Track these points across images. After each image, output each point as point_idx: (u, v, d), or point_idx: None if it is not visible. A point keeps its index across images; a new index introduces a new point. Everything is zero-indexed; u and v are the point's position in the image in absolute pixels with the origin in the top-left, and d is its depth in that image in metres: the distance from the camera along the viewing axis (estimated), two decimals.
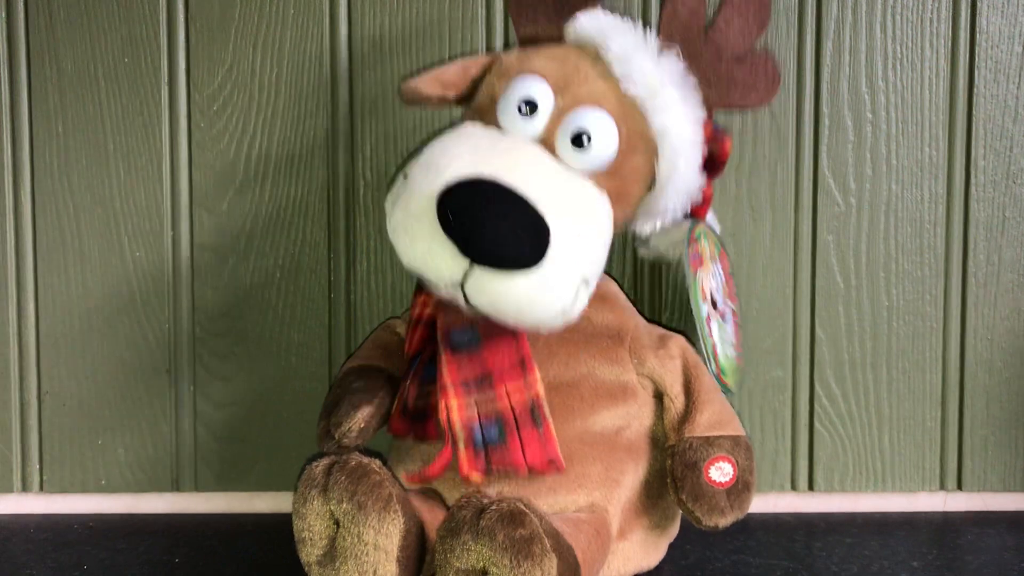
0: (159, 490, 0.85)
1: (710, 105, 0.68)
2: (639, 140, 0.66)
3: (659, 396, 0.70)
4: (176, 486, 0.85)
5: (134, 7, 0.83)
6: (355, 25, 0.83)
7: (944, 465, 0.86)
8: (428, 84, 0.69)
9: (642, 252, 0.77)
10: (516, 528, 0.56)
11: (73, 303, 0.84)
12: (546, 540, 0.56)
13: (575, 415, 0.67)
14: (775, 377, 0.85)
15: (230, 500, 0.86)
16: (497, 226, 0.59)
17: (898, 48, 0.84)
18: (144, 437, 0.85)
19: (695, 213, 0.71)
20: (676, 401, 0.69)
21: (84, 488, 0.85)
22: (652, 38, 0.67)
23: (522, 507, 0.57)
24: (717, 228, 0.75)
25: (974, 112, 0.84)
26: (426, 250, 0.61)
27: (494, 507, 0.57)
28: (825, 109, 0.84)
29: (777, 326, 0.85)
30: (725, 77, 0.68)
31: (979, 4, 0.83)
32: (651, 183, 0.68)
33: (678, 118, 0.66)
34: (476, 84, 0.69)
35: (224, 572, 0.72)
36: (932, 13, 0.83)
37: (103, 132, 0.84)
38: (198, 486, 0.85)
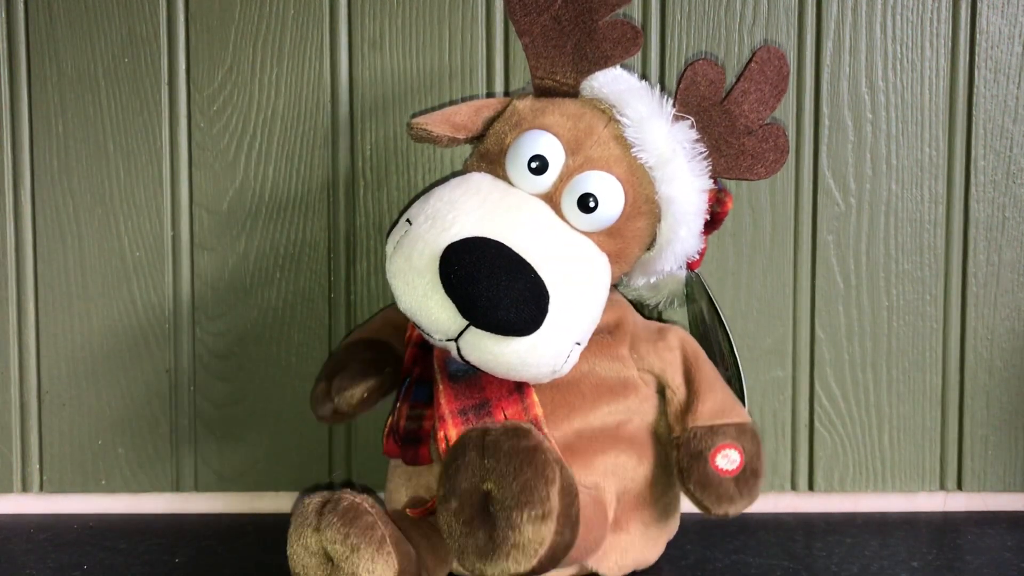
0: (159, 490, 0.85)
1: (716, 174, 0.68)
2: (644, 204, 0.66)
3: (662, 391, 0.70)
4: (176, 486, 0.85)
5: (134, 7, 0.83)
6: (355, 25, 0.83)
7: (944, 465, 0.86)
8: (438, 125, 0.68)
9: (622, 291, 0.77)
10: (521, 439, 0.56)
11: (73, 303, 0.84)
12: (550, 452, 0.56)
13: (576, 413, 0.67)
14: (775, 377, 0.85)
15: (230, 500, 0.86)
16: (499, 294, 0.59)
17: (898, 48, 0.84)
18: (144, 437, 0.85)
19: (689, 266, 0.72)
20: (678, 392, 0.69)
21: (84, 488, 0.85)
22: (668, 105, 0.66)
23: (527, 426, 0.58)
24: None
25: (974, 112, 0.84)
26: (424, 304, 0.61)
27: (499, 426, 0.58)
28: (825, 109, 0.84)
29: (777, 326, 0.85)
30: (735, 148, 0.67)
31: (979, 4, 0.83)
32: (651, 244, 0.68)
33: (685, 188, 0.66)
34: (487, 126, 0.69)
35: (224, 572, 0.72)
36: (932, 13, 0.83)
37: (103, 132, 0.84)
38: (198, 486, 0.85)
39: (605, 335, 0.69)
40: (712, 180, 0.67)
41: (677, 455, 0.68)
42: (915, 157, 0.84)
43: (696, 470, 0.67)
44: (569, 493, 0.57)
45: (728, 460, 0.67)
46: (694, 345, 0.71)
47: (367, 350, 0.71)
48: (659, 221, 0.67)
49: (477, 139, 0.69)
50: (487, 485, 0.56)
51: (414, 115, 0.71)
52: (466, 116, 0.69)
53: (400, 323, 0.73)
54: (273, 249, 0.84)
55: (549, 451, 0.57)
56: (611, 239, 0.65)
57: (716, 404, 0.69)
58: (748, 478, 0.67)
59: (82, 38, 0.83)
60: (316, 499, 0.61)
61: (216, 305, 0.84)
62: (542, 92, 0.69)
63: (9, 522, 0.83)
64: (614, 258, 0.66)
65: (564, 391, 0.67)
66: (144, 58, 0.83)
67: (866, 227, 0.84)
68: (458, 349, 0.61)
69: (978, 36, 0.84)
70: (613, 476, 0.67)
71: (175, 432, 0.85)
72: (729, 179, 0.69)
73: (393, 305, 0.75)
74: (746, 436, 0.68)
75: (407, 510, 0.67)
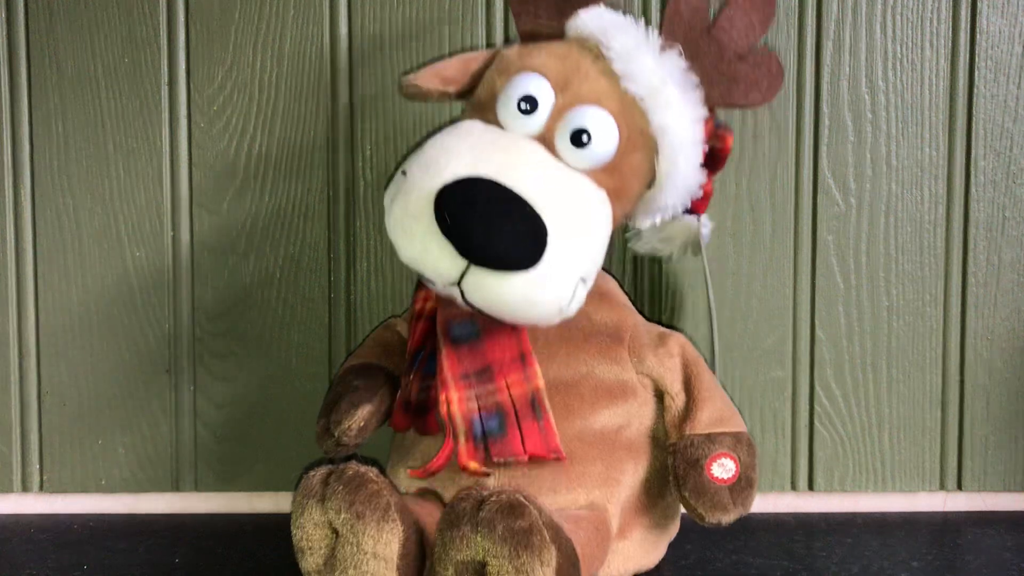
0: (159, 490, 0.85)
1: (712, 103, 0.67)
2: (639, 138, 0.66)
3: (660, 395, 0.70)
4: (176, 486, 0.85)
5: (134, 7, 0.83)
6: (355, 25, 0.83)
7: (944, 465, 0.86)
8: (428, 79, 0.69)
9: (634, 246, 0.77)
10: (516, 519, 0.56)
11: (73, 303, 0.84)
12: (545, 532, 0.56)
13: (575, 414, 0.67)
14: (775, 377, 0.85)
15: (230, 500, 0.86)
16: (495, 228, 0.59)
17: (898, 48, 0.84)
18: (144, 437, 0.85)
19: (695, 209, 0.71)
20: (676, 399, 0.69)
21: (84, 488, 0.85)
22: (654, 36, 0.67)
23: (521, 499, 0.57)
24: (708, 227, 0.75)
25: (974, 112, 0.84)
26: (423, 249, 0.61)
27: (493, 499, 0.57)
28: (825, 109, 0.84)
29: (777, 326, 0.85)
30: (727, 75, 0.67)
31: (979, 4, 0.83)
32: (651, 180, 0.68)
33: (678, 116, 0.66)
34: (476, 79, 0.69)
35: (224, 572, 0.72)
36: (932, 13, 0.83)
37: (103, 132, 0.84)
38: (198, 486, 0.85)
39: (604, 337, 0.69)
40: (708, 110, 0.67)
41: (673, 462, 0.68)
42: (915, 157, 0.84)
43: (692, 478, 0.67)
44: (568, 564, 0.57)
45: (724, 469, 0.67)
46: (694, 352, 0.71)
47: (357, 377, 0.71)
48: (656, 154, 0.67)
49: (468, 94, 0.70)
50: (482, 557, 0.57)
51: (404, 72, 0.72)
52: (455, 69, 0.70)
53: (391, 342, 0.74)
54: (273, 249, 0.84)
55: (546, 527, 0.57)
56: (608, 176, 0.65)
57: (714, 413, 0.69)
58: (743, 488, 0.67)
59: (82, 38, 0.83)
60: (321, 471, 0.61)
61: (216, 305, 0.84)
62: (528, 38, 0.69)
63: (9, 522, 0.83)
64: (614, 195, 0.65)
65: (563, 393, 0.67)
66: (144, 58, 0.83)
67: (866, 227, 0.84)
68: (462, 294, 0.61)
69: (978, 36, 0.84)
70: (616, 485, 0.67)
71: (175, 432, 0.85)
72: (726, 107, 0.69)
73: (383, 324, 0.76)
74: (742, 446, 0.68)
75: (407, 470, 0.67)
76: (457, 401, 0.64)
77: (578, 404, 0.67)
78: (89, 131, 0.84)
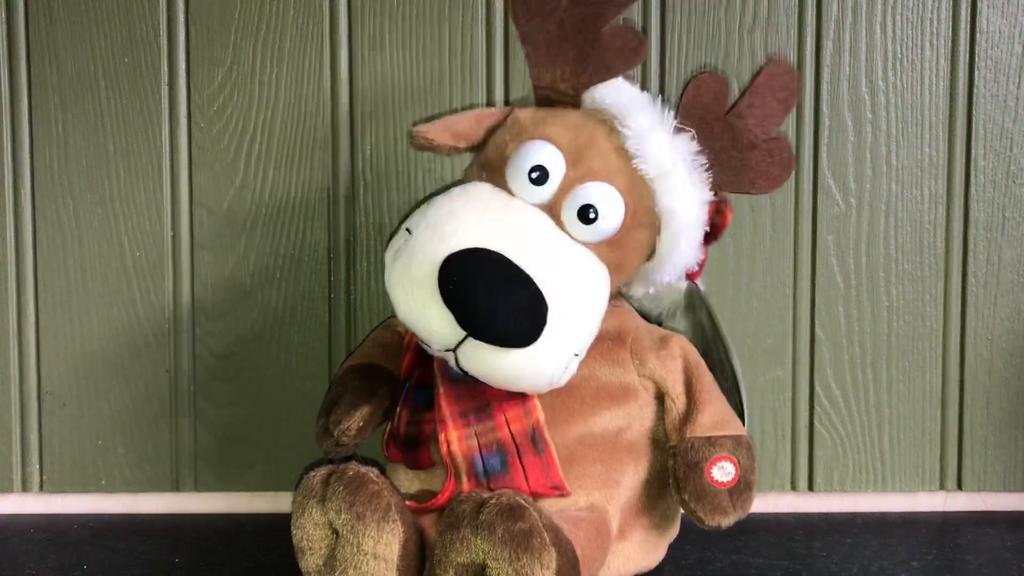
0: (159, 490, 0.85)
1: (719, 186, 0.68)
2: (645, 216, 0.66)
3: (660, 397, 0.70)
4: (176, 486, 0.85)
5: (134, 7, 0.83)
6: (355, 25, 0.83)
7: (944, 465, 0.86)
8: (440, 134, 0.68)
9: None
10: (515, 521, 0.56)
11: (73, 303, 0.84)
12: (545, 534, 0.56)
13: (576, 417, 0.67)
14: (775, 377, 0.85)
15: (230, 500, 0.86)
16: (498, 306, 0.59)
17: (898, 48, 0.84)
18: (144, 437, 0.85)
19: (689, 277, 0.72)
20: (677, 401, 0.69)
21: (84, 488, 0.85)
22: (669, 117, 0.66)
23: (521, 501, 0.57)
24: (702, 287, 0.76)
25: (974, 112, 0.84)
26: (423, 314, 0.61)
27: (493, 501, 0.57)
28: (825, 109, 0.84)
29: (777, 326, 0.85)
30: (738, 161, 0.67)
31: (979, 4, 0.83)
32: (650, 254, 0.68)
33: (685, 200, 0.66)
34: (488, 134, 0.69)
35: (224, 572, 0.72)
36: (932, 13, 0.83)
37: (103, 132, 0.84)
38: (198, 486, 0.85)
39: (607, 340, 0.69)
40: (713, 192, 0.67)
41: (673, 464, 0.68)
42: (915, 157, 0.84)
43: (692, 481, 0.67)
44: (568, 566, 0.57)
45: (723, 472, 0.67)
46: (695, 354, 0.71)
47: (357, 378, 0.71)
48: (659, 232, 0.67)
49: (477, 148, 0.69)
50: (482, 559, 0.57)
51: (415, 123, 0.71)
52: (467, 125, 0.69)
53: (390, 342, 0.74)
54: (273, 249, 0.84)
55: (546, 529, 0.57)
56: (611, 250, 0.65)
57: (715, 416, 0.69)
58: (742, 491, 0.67)
59: (82, 38, 0.83)
60: (321, 471, 0.61)
61: (216, 305, 0.84)
62: (543, 102, 0.69)
63: (9, 522, 0.83)
64: (613, 269, 0.65)
65: (565, 396, 0.67)
66: (144, 58, 0.83)
67: (866, 227, 0.84)
68: (456, 359, 0.61)
69: (978, 36, 0.84)
70: (617, 486, 0.68)
71: (175, 432, 0.85)
72: (733, 192, 0.69)
73: (383, 324, 0.76)
74: (742, 449, 0.68)
75: (408, 503, 0.67)
76: (456, 440, 0.64)
77: (579, 406, 0.67)
78: (89, 131, 0.84)
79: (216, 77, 0.84)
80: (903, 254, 0.85)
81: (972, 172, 0.84)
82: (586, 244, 0.64)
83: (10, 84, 0.84)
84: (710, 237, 0.70)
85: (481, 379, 0.62)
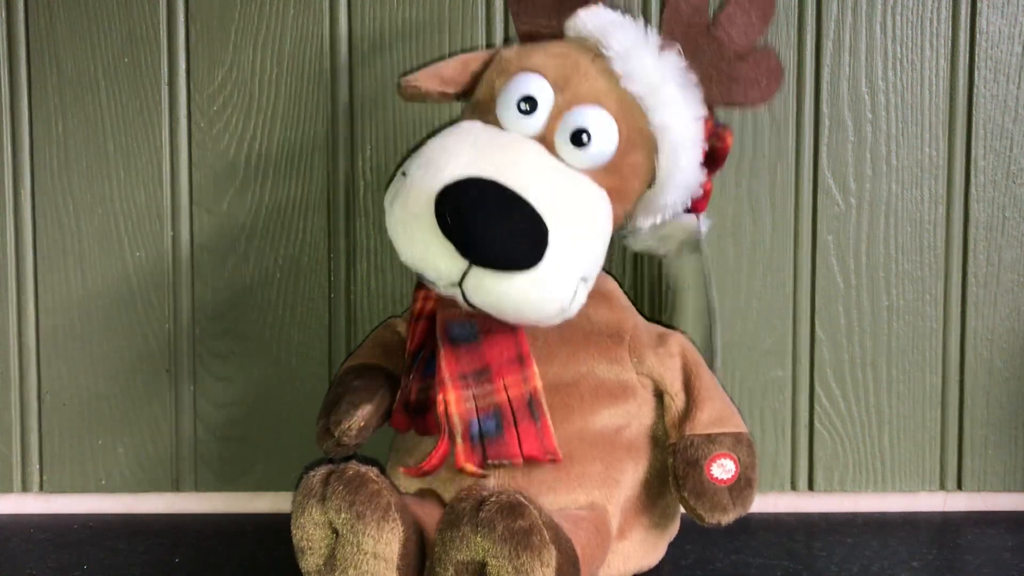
0: (159, 490, 0.85)
1: (711, 102, 0.67)
2: (639, 137, 0.66)
3: (659, 395, 0.70)
4: (176, 486, 0.85)
5: (134, 7, 0.83)
6: (355, 25, 0.83)
7: (944, 465, 0.86)
8: (427, 80, 0.69)
9: (630, 244, 0.77)
10: (515, 519, 0.56)
11: (73, 303, 0.84)
12: (545, 532, 0.56)
13: (575, 414, 0.67)
14: (775, 377, 0.85)
15: (230, 500, 0.86)
16: (495, 228, 0.59)
17: (898, 48, 0.84)
18: (144, 437, 0.85)
19: (695, 208, 0.71)
20: (677, 399, 0.69)
21: (84, 488, 0.85)
22: (653, 35, 0.66)
23: (521, 499, 0.57)
24: (705, 225, 0.75)
25: (974, 112, 0.84)
26: (424, 250, 0.61)
27: (493, 499, 0.57)
28: (825, 109, 0.84)
29: (777, 326, 0.85)
30: (727, 74, 0.67)
31: (979, 4, 0.83)
32: (651, 179, 0.68)
33: (678, 115, 0.66)
34: (476, 79, 0.69)
35: (224, 572, 0.72)
36: (932, 13, 0.83)
37: (103, 132, 0.84)
38: (198, 486, 0.85)
39: (605, 337, 0.69)
40: (708, 109, 0.67)
41: (673, 462, 0.68)
42: (915, 157, 0.84)
43: (691, 478, 0.67)
44: (568, 564, 0.57)
45: (723, 469, 0.67)
46: (694, 352, 0.71)
47: (357, 378, 0.71)
48: (656, 153, 0.67)
49: (467, 94, 0.69)
50: (482, 557, 0.57)
51: (403, 74, 0.72)
52: (454, 69, 0.69)
53: (390, 342, 0.74)
54: (273, 249, 0.84)
55: (546, 527, 0.57)
56: (609, 175, 0.65)
57: (714, 412, 0.69)
58: (742, 488, 0.67)
59: (82, 38, 0.83)
60: (321, 471, 0.61)
61: (216, 305, 0.84)
62: (527, 38, 0.69)
63: (9, 522, 0.83)
64: (614, 195, 0.65)
65: (563, 393, 0.67)
66: (144, 58, 0.83)
67: (866, 227, 0.84)
68: (464, 294, 0.61)
69: (978, 36, 0.84)
70: (616, 485, 0.68)
71: (175, 432, 0.85)
72: (726, 107, 0.69)
73: (383, 324, 0.76)
74: (742, 446, 0.68)
75: (400, 468, 0.67)
76: (455, 402, 0.64)
77: (578, 404, 0.67)
78: (89, 131, 0.84)
79: (216, 77, 0.84)
80: (903, 254, 0.85)
81: (972, 172, 0.84)
82: (583, 171, 0.64)
83: (10, 84, 0.84)
84: (712, 163, 0.69)
85: (490, 312, 0.62)
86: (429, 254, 0.61)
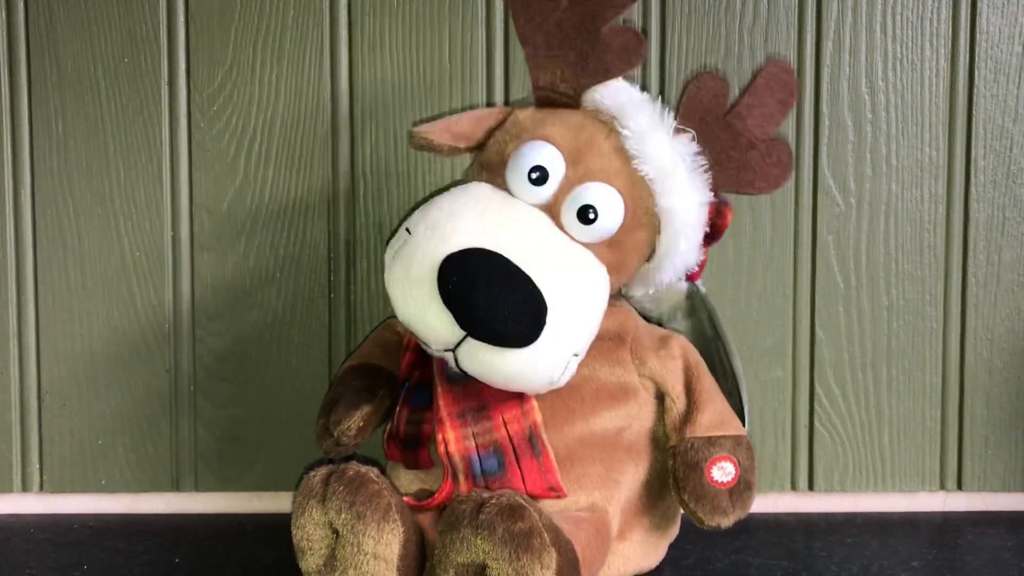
0: (159, 490, 0.85)
1: (718, 187, 0.68)
2: (644, 216, 0.66)
3: (660, 397, 0.70)
4: (176, 486, 0.85)
5: (134, 7, 0.83)
6: (355, 25, 0.83)
7: (944, 465, 0.86)
8: (439, 134, 0.68)
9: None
10: (515, 522, 0.56)
11: (73, 303, 0.84)
12: (545, 534, 0.56)
13: (576, 416, 0.67)
14: (775, 377, 0.85)
15: (230, 500, 0.86)
16: (496, 305, 0.59)
17: (898, 48, 0.84)
18: (144, 437, 0.85)
19: (689, 277, 0.72)
20: (678, 401, 0.69)
21: (84, 488, 0.85)
22: (669, 117, 0.66)
23: (521, 501, 0.57)
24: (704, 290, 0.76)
25: (974, 112, 0.84)
26: (422, 314, 0.61)
27: (493, 501, 0.57)
28: (825, 109, 0.84)
29: (777, 326, 0.85)
30: (737, 162, 0.67)
31: (979, 4, 0.83)
32: (650, 255, 0.68)
33: (685, 201, 0.66)
34: (488, 135, 0.69)
35: (224, 572, 0.72)
36: (932, 13, 0.83)
37: (103, 132, 0.84)
38: (198, 486, 0.85)
39: (607, 340, 0.69)
40: (713, 193, 0.67)
41: (673, 464, 0.68)
42: (915, 157, 0.84)
43: (692, 481, 0.67)
44: (568, 566, 0.57)
45: (723, 472, 0.67)
46: (695, 355, 0.71)
47: (357, 378, 0.71)
48: (659, 233, 0.67)
49: (478, 148, 0.69)
50: (482, 559, 0.57)
51: (415, 124, 0.71)
52: (467, 126, 0.69)
53: (390, 342, 0.74)
54: (273, 249, 0.84)
55: (546, 529, 0.57)
56: (610, 251, 0.65)
57: (715, 416, 0.69)
58: (742, 491, 0.67)
59: (82, 38, 0.83)
60: (322, 471, 0.61)
61: (216, 305, 0.84)
62: (543, 103, 0.69)
63: (9, 522, 0.83)
64: (613, 269, 0.65)
65: (565, 396, 0.67)
66: (144, 58, 0.83)
67: (866, 227, 0.84)
68: (456, 359, 0.61)
69: (978, 36, 0.84)
70: (616, 486, 0.68)
71: (175, 432, 0.85)
72: (731, 193, 0.69)
73: (383, 324, 0.76)
74: (742, 449, 0.68)
75: (404, 498, 0.67)
76: (454, 441, 0.64)
77: (579, 406, 0.67)
78: (89, 131, 0.84)
79: (216, 77, 0.84)
80: (903, 254, 0.85)
81: (972, 172, 0.84)
82: (586, 244, 0.64)
83: (10, 84, 0.84)
84: (710, 238, 0.70)
85: (481, 379, 0.62)
86: (427, 319, 0.61)
